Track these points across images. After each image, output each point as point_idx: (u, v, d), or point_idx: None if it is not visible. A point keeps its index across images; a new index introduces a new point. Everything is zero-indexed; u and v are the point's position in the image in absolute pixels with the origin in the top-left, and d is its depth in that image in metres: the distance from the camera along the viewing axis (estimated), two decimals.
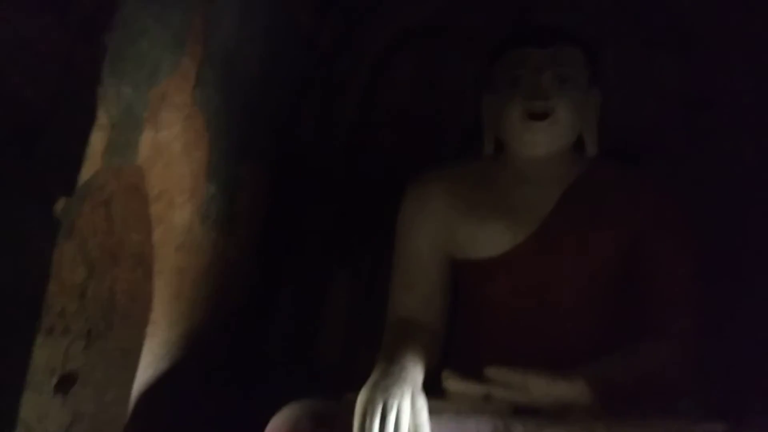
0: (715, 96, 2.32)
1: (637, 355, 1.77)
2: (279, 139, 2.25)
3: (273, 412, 1.57)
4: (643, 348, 1.79)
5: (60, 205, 1.42)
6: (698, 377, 1.80)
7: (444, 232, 2.02)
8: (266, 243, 2.22)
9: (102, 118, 1.45)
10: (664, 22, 2.36)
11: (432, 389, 1.64)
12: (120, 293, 1.67)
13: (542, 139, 1.97)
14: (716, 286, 1.94)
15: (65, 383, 1.55)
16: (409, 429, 1.47)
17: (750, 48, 2.27)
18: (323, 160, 2.44)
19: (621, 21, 2.38)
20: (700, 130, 2.32)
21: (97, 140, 1.44)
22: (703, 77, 2.34)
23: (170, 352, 1.79)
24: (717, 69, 2.32)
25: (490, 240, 1.97)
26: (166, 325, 1.76)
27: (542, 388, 1.61)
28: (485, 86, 2.10)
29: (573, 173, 2.02)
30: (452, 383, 1.65)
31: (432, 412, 1.53)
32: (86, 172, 1.43)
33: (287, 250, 2.32)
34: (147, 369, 1.70)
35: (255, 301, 2.19)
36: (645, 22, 2.38)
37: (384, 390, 1.51)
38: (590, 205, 1.96)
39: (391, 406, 1.47)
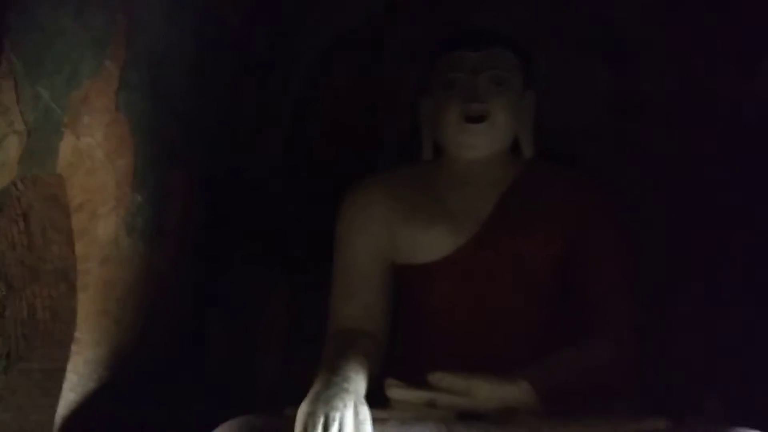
0: (645, 102, 2.36)
1: (579, 355, 1.76)
2: (212, 146, 2.17)
3: (210, 429, 1.49)
4: (585, 348, 1.78)
5: None
6: (640, 376, 1.80)
7: (384, 237, 1.98)
8: (200, 255, 2.13)
9: (17, 122, 1.35)
10: (596, 29, 2.39)
11: (376, 397, 1.59)
12: (41, 311, 1.56)
13: (480, 141, 1.96)
14: (646, 288, 1.95)
15: None
16: None
17: (679, 55, 2.31)
18: (260, 168, 2.37)
19: (553, 27, 2.40)
20: (631, 135, 2.35)
21: (11, 146, 1.34)
22: (633, 83, 2.37)
23: (97, 372, 1.68)
24: (646, 75, 2.36)
25: (431, 244, 1.94)
26: (92, 344, 1.65)
27: (486, 392, 1.57)
28: (422, 90, 2.08)
29: (510, 175, 2.02)
30: (395, 391, 1.60)
31: (376, 422, 1.47)
32: (0, 181, 1.33)
33: (223, 263, 2.24)
34: (72, 390, 1.59)
35: (189, 315, 2.09)
36: (576, 28, 2.40)
37: (325, 402, 1.45)
38: (528, 207, 1.95)
39: (333, 419, 1.41)
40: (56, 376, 1.55)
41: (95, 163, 1.62)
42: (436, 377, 1.58)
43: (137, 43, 1.72)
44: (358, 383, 1.59)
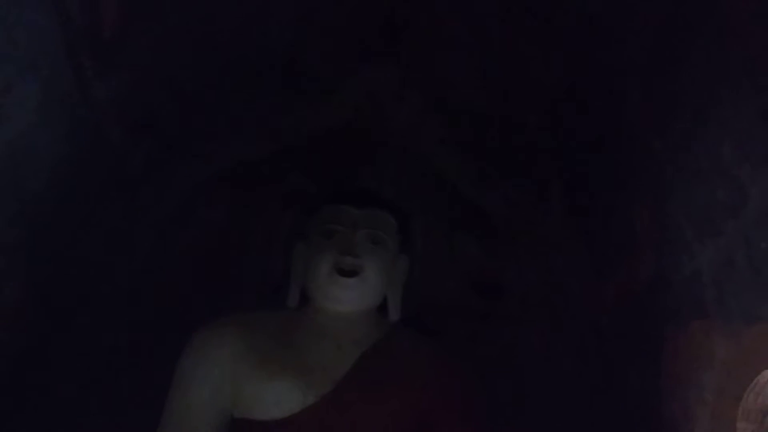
0: (507, 284, 2.34)
1: None
2: (57, 263, 1.87)
3: None
4: None
5: None
6: None
7: (226, 386, 1.79)
8: None
9: None
10: (468, 207, 2.40)
11: None
12: None
13: (348, 295, 1.88)
14: None
15: None
16: None
17: (538, 242, 2.32)
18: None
19: (431, 200, 2.37)
20: (493, 315, 2.31)
21: None
22: (497, 264, 2.35)
23: None
24: (509, 258, 2.36)
25: (278, 399, 1.77)
26: None
27: None
28: (298, 236, 1.98)
29: (372, 336, 1.92)
30: None
31: None
32: None
33: None
34: None
35: None
36: (451, 204, 2.40)
37: None
38: (384, 374, 1.85)
39: None
40: None
41: None
42: None
43: None
44: None
